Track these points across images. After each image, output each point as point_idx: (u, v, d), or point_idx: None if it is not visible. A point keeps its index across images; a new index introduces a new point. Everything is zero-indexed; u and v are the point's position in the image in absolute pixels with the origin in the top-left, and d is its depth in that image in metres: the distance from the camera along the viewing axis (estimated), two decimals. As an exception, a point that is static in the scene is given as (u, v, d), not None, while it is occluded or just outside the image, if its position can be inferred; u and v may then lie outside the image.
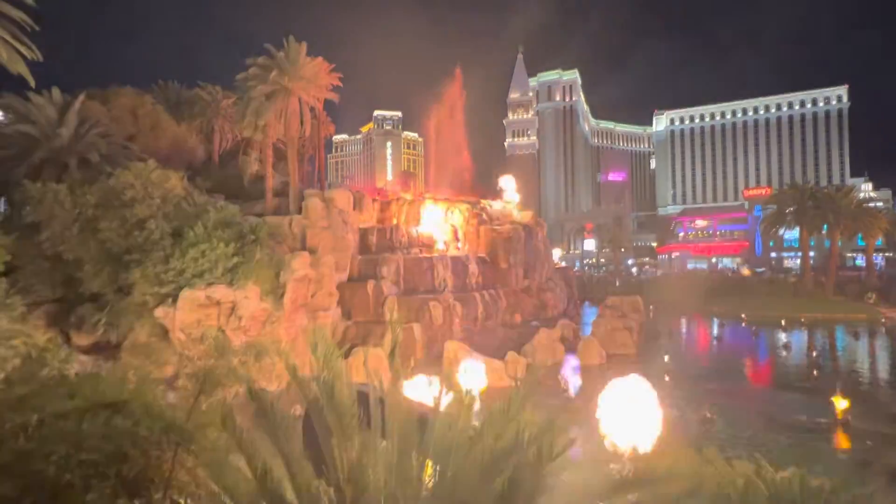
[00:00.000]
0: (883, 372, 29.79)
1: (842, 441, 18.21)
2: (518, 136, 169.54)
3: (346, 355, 20.83)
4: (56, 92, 32.01)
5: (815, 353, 31.95)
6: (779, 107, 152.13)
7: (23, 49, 18.62)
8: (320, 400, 4.54)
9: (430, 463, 4.39)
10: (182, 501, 5.10)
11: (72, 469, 4.44)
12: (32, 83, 20.92)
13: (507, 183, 47.34)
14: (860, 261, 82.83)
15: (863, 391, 24.48)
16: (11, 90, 30.91)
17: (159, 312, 23.67)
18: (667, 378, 26.64)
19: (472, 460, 4.02)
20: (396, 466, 4.23)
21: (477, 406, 4.92)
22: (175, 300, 23.56)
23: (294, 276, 25.76)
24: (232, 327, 23.33)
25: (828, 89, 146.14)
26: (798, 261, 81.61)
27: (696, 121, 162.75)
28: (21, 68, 18.92)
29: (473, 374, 21.64)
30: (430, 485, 4.22)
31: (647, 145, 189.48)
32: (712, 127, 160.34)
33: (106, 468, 4.62)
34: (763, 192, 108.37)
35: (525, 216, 46.53)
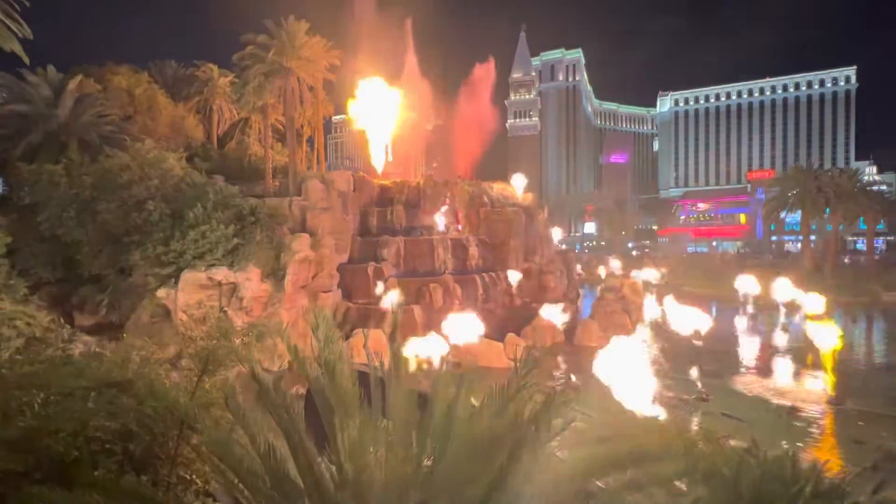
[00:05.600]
0: (878, 354, 30.10)
1: (835, 421, 18.52)
2: (520, 116, 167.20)
3: (347, 336, 21.02)
4: (51, 70, 31.49)
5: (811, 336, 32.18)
6: (785, 88, 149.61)
7: (14, 26, 18.23)
8: (322, 380, 4.60)
9: (429, 441, 4.47)
10: (188, 477, 5.22)
11: (79, 446, 4.53)
12: (27, 61, 20.53)
13: (517, 181, 47.42)
14: (861, 245, 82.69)
15: (857, 373, 24.79)
16: (4, 68, 30.45)
17: (161, 293, 23.82)
18: (661, 362, 26.96)
19: (471, 439, 4.10)
20: (397, 445, 4.32)
21: (476, 386, 4.99)
22: (176, 281, 23.67)
23: (294, 257, 25.80)
24: (233, 308, 23.51)
25: (835, 70, 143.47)
26: (799, 244, 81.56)
27: (701, 102, 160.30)
28: (14, 45, 18.55)
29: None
30: (430, 462, 4.31)
31: (650, 127, 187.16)
32: (717, 108, 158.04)
33: (112, 445, 4.72)
34: (766, 174, 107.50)
35: (526, 198, 46.31)
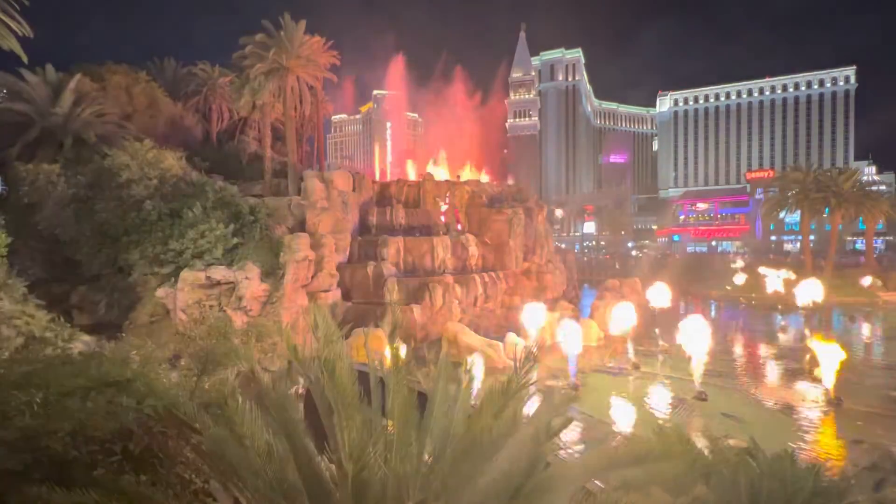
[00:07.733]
0: (876, 354, 30.14)
1: (833, 421, 18.55)
2: (520, 116, 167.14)
3: (347, 336, 20.96)
4: (50, 69, 31.44)
5: (809, 336, 32.22)
6: (784, 87, 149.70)
7: (13, 25, 18.18)
8: (322, 379, 4.60)
9: (429, 441, 4.47)
10: (188, 477, 5.21)
11: (78, 446, 4.52)
12: (25, 59, 20.46)
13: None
14: (860, 245, 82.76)
15: (856, 373, 24.81)
16: (3, 67, 30.39)
17: (160, 293, 23.79)
18: (661, 358, 26.98)
19: (471, 439, 4.10)
20: (397, 444, 4.32)
21: (476, 386, 4.99)
22: (175, 280, 23.65)
23: (294, 257, 25.78)
24: (232, 308, 23.49)
25: (835, 70, 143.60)
26: (798, 244, 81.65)
27: (700, 102, 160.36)
28: (12, 44, 18.51)
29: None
30: (430, 462, 4.31)
31: (649, 127, 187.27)
32: (716, 108, 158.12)
33: (111, 445, 4.70)
34: (766, 174, 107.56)
35: (525, 197, 46.35)
